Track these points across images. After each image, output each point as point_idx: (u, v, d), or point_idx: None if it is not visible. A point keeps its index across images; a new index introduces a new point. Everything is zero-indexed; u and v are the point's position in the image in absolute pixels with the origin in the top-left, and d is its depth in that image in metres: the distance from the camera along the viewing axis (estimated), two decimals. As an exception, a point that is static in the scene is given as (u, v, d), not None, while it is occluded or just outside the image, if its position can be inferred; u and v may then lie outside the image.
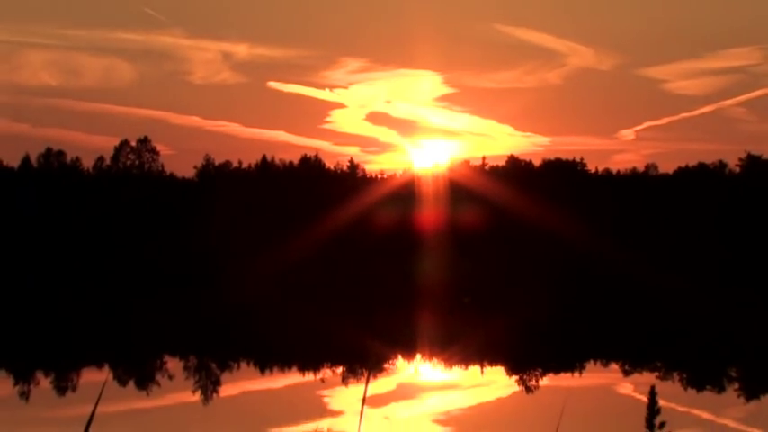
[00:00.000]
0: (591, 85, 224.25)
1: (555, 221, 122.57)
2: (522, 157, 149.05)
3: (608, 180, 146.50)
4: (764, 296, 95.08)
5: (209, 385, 41.47)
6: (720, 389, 40.88)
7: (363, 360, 47.46)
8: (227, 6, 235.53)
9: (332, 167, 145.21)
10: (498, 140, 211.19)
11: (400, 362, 50.65)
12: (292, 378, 44.91)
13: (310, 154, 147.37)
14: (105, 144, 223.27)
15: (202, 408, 36.11)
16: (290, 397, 40.07)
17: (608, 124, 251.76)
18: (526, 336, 62.99)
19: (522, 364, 48.56)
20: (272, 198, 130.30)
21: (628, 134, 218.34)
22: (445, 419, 33.01)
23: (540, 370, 46.51)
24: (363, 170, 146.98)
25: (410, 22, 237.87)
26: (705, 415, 33.97)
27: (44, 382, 42.67)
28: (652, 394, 6.46)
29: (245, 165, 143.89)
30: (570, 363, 49.36)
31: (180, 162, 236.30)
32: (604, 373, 47.28)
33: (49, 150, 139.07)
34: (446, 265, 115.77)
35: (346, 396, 38.38)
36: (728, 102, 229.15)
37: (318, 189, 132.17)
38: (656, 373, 45.53)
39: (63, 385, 41.60)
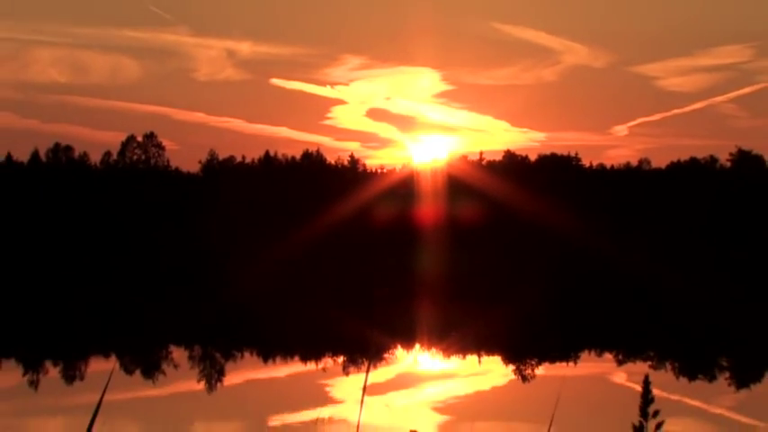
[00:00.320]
0: (585, 82, 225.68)
1: (550, 214, 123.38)
2: (518, 153, 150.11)
3: (602, 174, 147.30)
4: (755, 288, 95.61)
5: (213, 374, 42.14)
6: (712, 378, 41.62)
7: (364, 350, 48.06)
8: (231, 5, 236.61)
9: (333, 162, 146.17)
10: (495, 136, 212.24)
11: (400, 352, 51.26)
12: (295, 367, 45.59)
13: (312, 149, 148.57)
14: (112, 139, 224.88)
15: (207, 396, 36.72)
16: (293, 386, 40.69)
17: (602, 120, 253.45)
18: (522, 326, 63.55)
19: (518, 353, 49.19)
20: (275, 192, 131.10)
21: (621, 130, 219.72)
22: (443, 407, 33.68)
23: (536, 359, 47.14)
24: (364, 165, 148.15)
25: (410, 21, 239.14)
26: (697, 403, 34.62)
27: (53, 372, 43.32)
28: (646, 383, 6.42)
29: (248, 159, 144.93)
30: (566, 353, 49.96)
31: (185, 157, 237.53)
32: (599, 362, 47.82)
33: (57, 145, 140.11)
34: (444, 258, 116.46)
35: (347, 385, 38.97)
36: (720, 98, 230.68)
37: (320, 183, 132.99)
38: (650, 363, 46.15)
39: (71, 374, 42.24)
